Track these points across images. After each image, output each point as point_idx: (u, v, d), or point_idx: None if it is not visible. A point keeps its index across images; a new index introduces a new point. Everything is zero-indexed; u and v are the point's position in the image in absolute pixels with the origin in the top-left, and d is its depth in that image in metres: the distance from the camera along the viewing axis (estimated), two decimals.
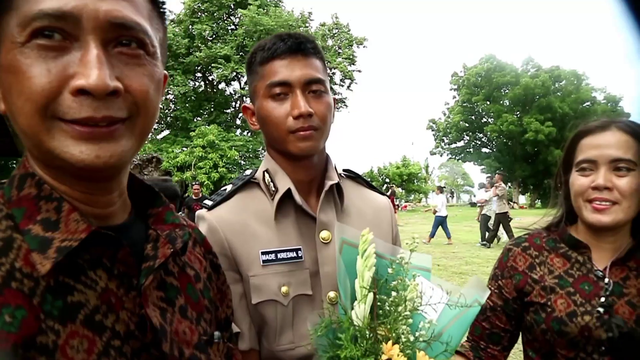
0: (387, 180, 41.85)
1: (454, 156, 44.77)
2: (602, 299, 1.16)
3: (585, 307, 1.17)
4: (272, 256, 1.07)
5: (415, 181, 44.43)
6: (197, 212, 1.14)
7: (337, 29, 27.72)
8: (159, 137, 27.66)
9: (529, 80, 35.53)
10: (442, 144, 43.55)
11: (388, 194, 2.27)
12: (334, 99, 1.16)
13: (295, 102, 1.03)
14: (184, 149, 23.62)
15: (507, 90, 37.87)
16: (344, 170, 1.27)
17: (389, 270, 0.96)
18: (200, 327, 0.74)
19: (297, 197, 1.09)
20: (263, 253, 1.07)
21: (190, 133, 23.28)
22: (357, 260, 0.94)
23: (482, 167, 41.46)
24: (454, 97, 42.26)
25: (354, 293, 0.93)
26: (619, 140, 1.15)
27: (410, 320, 0.91)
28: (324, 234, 1.10)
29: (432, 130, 43.59)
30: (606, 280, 1.18)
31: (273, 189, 1.11)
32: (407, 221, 16.09)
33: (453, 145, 43.23)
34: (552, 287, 1.23)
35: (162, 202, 0.76)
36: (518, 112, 37.78)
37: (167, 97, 27.62)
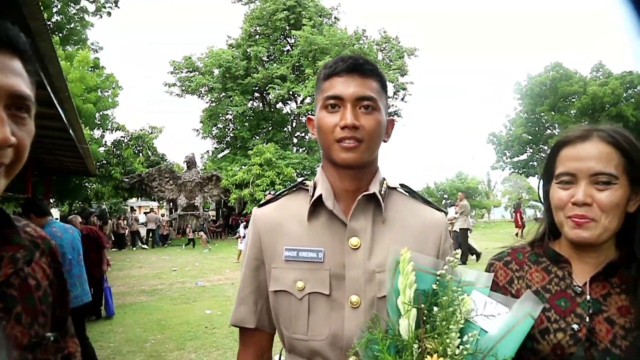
0: (446, 196, 40.79)
1: (516, 170, 43.01)
2: (579, 317, 1.11)
3: (559, 324, 1.12)
4: (294, 253, 1.18)
5: (474, 197, 43.07)
6: None
7: (386, 42, 27.69)
8: (219, 156, 28.59)
9: (597, 89, 33.70)
10: (504, 158, 42.02)
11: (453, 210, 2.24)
12: (392, 120, 1.26)
13: (344, 114, 1.12)
14: (243, 167, 24.27)
15: (574, 100, 36.13)
16: (400, 184, 1.31)
17: (433, 285, 1.03)
18: (33, 330, 0.86)
19: (329, 202, 1.18)
20: (287, 249, 1.18)
21: (249, 151, 23.91)
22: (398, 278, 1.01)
23: None
24: (515, 108, 40.77)
25: (399, 310, 0.99)
26: (600, 152, 1.09)
27: (455, 335, 0.95)
28: (354, 240, 1.16)
29: (493, 144, 42.16)
30: (587, 297, 1.12)
31: (312, 194, 1.21)
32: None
33: (516, 159, 41.57)
34: None
35: (10, 225, 0.88)
36: (586, 123, 35.82)
37: (227, 116, 28.64)
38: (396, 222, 1.21)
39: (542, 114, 37.83)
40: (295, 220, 1.22)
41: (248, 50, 27.41)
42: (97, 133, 21.30)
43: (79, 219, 7.85)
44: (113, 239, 20.85)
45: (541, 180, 1.25)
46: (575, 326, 1.09)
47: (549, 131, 39.01)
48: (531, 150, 40.88)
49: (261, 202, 1.31)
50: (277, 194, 1.32)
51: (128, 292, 9.66)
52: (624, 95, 34.39)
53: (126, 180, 22.63)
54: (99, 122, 20.66)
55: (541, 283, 1.20)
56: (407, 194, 1.30)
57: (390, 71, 26.35)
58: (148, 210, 25.23)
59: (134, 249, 20.90)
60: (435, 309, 0.99)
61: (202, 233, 21.21)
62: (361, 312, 1.11)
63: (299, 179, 1.34)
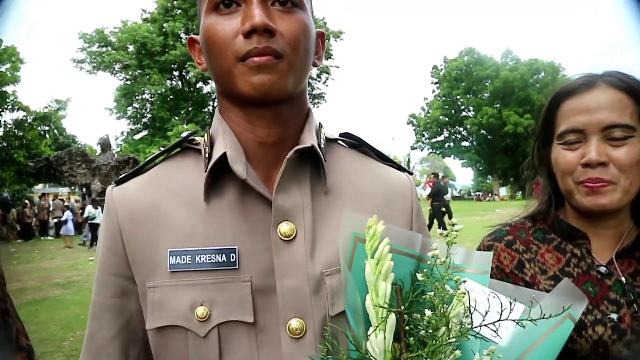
0: None
1: (434, 150, 45.11)
2: (614, 304, 0.91)
3: (594, 315, 0.91)
4: (187, 259, 0.71)
5: None
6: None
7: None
8: (136, 137, 27.43)
9: (508, 74, 36.07)
10: (423, 139, 43.88)
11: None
12: (321, 32, 0.83)
13: (247, 11, 0.69)
14: (161, 149, 23.49)
15: (487, 84, 38.26)
16: (341, 134, 0.88)
17: (419, 275, 0.66)
18: None
19: (238, 166, 0.71)
20: (172, 254, 0.71)
21: (168, 133, 23.18)
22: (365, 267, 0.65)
23: (463, 160, 41.94)
24: (433, 91, 42.56)
25: (368, 317, 0.63)
26: (611, 100, 0.90)
27: (459, 352, 0.61)
28: (285, 227, 0.72)
29: (413, 125, 43.83)
30: (622, 278, 0.93)
31: (206, 155, 0.75)
32: None
33: (434, 140, 43.59)
34: (548, 291, 0.92)
35: None
36: (498, 105, 38.23)
37: (144, 96, 27.47)
38: (346, 192, 0.79)
39: (458, 96, 39.90)
40: (183, 203, 0.74)
41: (164, 25, 26.42)
42: None
43: None
44: (18, 228, 19.24)
45: (535, 144, 1.06)
46: (613, 315, 0.90)
47: (464, 113, 41.25)
48: (447, 132, 43.07)
49: (121, 176, 0.81)
50: (147, 159, 0.83)
51: (39, 286, 8.85)
52: (530, 80, 37.04)
53: (31, 164, 20.97)
54: None
55: (557, 266, 0.98)
56: (355, 149, 0.88)
57: None
58: (56, 197, 23.66)
59: (42, 238, 19.44)
60: (428, 313, 0.62)
61: None
62: (307, 343, 0.69)
63: (183, 134, 0.84)
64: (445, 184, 14.81)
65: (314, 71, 27.75)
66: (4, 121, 21.33)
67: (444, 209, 13.37)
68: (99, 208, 16.93)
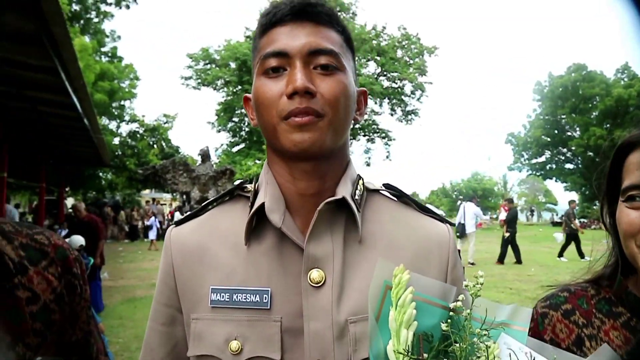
0: (461, 197, 40.37)
1: (534, 172, 42.35)
2: None
3: None
4: (226, 296, 0.78)
5: (490, 198, 42.56)
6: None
7: (406, 39, 27.23)
8: (234, 149, 28.67)
9: (621, 91, 32.98)
10: (522, 159, 41.38)
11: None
12: (363, 91, 0.89)
13: (291, 75, 0.76)
14: (257, 161, 24.25)
15: (595, 102, 35.37)
16: (385, 185, 0.92)
17: (442, 325, 0.66)
18: (14, 352, 0.73)
19: (275, 215, 0.78)
20: (214, 291, 0.79)
21: (263, 146, 23.88)
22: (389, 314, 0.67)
23: (566, 184, 38.89)
24: (535, 109, 40.08)
25: None
26: None
27: None
28: (315, 273, 0.77)
29: (511, 145, 41.53)
30: None
31: (251, 202, 0.83)
32: (482, 240, 15.28)
33: (534, 161, 40.92)
34: None
35: None
36: (608, 125, 35.13)
37: (242, 110, 28.68)
38: (380, 241, 0.83)
39: (563, 116, 37.18)
40: (227, 245, 0.82)
41: None
42: (113, 124, 21.42)
43: (83, 205, 7.90)
44: (127, 230, 20.95)
45: (604, 201, 0.94)
46: None
47: (568, 134, 38.35)
48: (549, 153, 40.25)
49: (179, 218, 0.92)
50: (203, 205, 0.92)
51: (139, 285, 9.55)
52: None
53: (140, 171, 22.77)
54: (116, 113, 20.77)
55: (625, 348, 0.84)
56: (395, 199, 0.91)
57: (409, 70, 26.04)
58: (162, 202, 25.42)
59: (145, 240, 20.98)
60: None
61: None
62: None
63: (237, 181, 0.93)
64: (573, 209, 14.13)
65: (407, 88, 27.50)
66: (121, 132, 23.38)
67: (572, 237, 13.13)
68: None
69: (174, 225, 0.89)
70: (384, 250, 0.82)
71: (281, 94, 0.76)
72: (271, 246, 0.80)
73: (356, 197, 0.83)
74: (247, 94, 0.89)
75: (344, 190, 0.81)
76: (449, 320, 0.67)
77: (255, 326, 0.76)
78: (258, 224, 0.81)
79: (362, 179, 0.88)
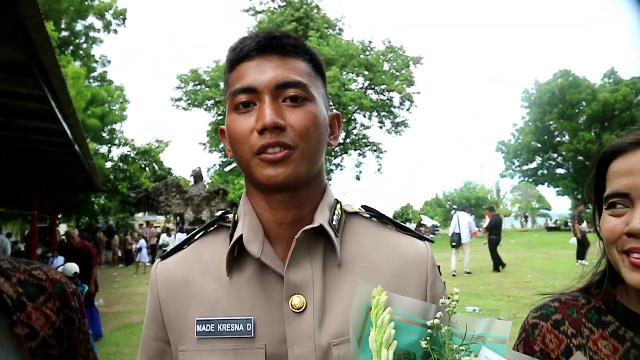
0: (455, 206, 40.46)
1: (526, 178, 42.60)
2: None
3: None
4: (211, 327, 0.80)
5: (484, 206, 42.69)
6: None
7: (391, 52, 27.48)
8: (226, 169, 28.61)
9: (608, 95, 33.39)
10: (513, 166, 41.63)
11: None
12: (336, 114, 0.92)
13: (260, 111, 0.78)
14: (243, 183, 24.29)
15: (582, 107, 35.76)
16: (363, 207, 0.95)
17: (422, 343, 0.69)
18: None
19: (253, 246, 0.80)
20: (199, 322, 0.81)
21: None
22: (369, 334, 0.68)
23: (558, 188, 39.12)
24: (523, 117, 40.44)
25: None
26: None
27: None
28: (296, 299, 0.79)
29: (502, 152, 41.80)
30: None
31: (231, 232, 0.85)
32: (476, 248, 15.28)
33: (525, 167, 41.18)
34: None
35: None
36: (596, 130, 35.51)
37: None
38: (359, 263, 0.85)
39: (551, 121, 37.54)
40: (211, 276, 0.84)
41: None
42: (104, 148, 21.34)
43: (77, 232, 7.83)
44: (120, 254, 20.74)
45: (595, 209, 0.94)
46: None
47: (558, 139, 38.70)
48: (540, 159, 40.56)
49: (166, 252, 0.94)
50: (187, 237, 0.94)
51: (135, 310, 9.44)
52: (635, 100, 34.04)
53: (133, 195, 22.65)
54: (107, 137, 20.70)
55: (613, 357, 0.85)
56: (375, 220, 0.94)
57: (397, 82, 26.24)
58: (155, 225, 25.23)
59: (140, 263, 20.84)
60: None
61: None
62: None
63: (219, 212, 0.95)
64: (579, 212, 14.07)
65: (395, 100, 27.69)
66: (112, 156, 23.28)
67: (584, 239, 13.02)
68: (172, 236, 17.95)
69: (159, 260, 0.92)
70: (363, 271, 0.83)
71: (252, 129, 0.78)
72: (252, 275, 0.82)
73: (334, 222, 0.85)
74: (222, 126, 0.91)
75: (321, 218, 0.83)
76: (428, 338, 0.68)
77: (241, 354, 0.78)
78: (239, 254, 0.83)
79: (340, 203, 0.91)
